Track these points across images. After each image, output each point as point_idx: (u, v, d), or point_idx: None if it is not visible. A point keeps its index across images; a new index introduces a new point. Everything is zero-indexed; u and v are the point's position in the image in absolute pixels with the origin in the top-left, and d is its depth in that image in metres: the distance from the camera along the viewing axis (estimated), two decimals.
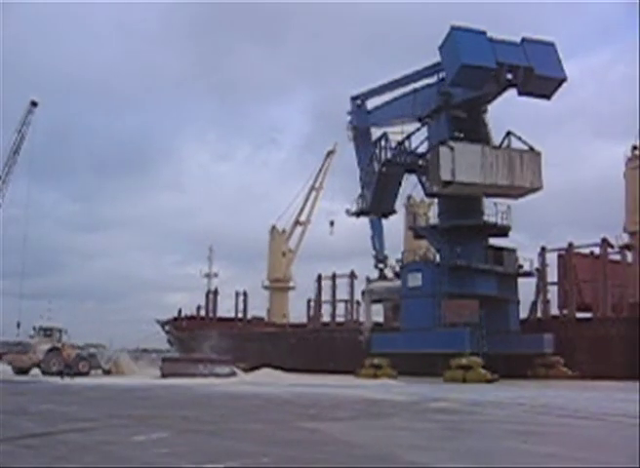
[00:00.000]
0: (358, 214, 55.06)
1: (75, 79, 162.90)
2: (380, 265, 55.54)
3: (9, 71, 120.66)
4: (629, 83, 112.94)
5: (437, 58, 46.29)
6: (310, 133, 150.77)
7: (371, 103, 56.26)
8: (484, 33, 42.48)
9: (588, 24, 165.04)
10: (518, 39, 43.91)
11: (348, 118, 57.79)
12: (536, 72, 42.90)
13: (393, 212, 55.17)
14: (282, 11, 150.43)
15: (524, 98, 46.22)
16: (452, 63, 42.53)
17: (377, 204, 53.09)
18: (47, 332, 45.44)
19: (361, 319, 61.68)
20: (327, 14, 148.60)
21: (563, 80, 44.48)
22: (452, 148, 43.86)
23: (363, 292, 57.75)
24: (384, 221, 55.76)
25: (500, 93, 45.21)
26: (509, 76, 43.23)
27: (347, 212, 56.30)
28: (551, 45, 44.37)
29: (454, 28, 42.16)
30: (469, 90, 44.85)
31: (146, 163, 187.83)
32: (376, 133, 56.11)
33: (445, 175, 43.44)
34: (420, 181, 49.63)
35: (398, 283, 56.91)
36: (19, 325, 58.98)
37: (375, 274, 55.87)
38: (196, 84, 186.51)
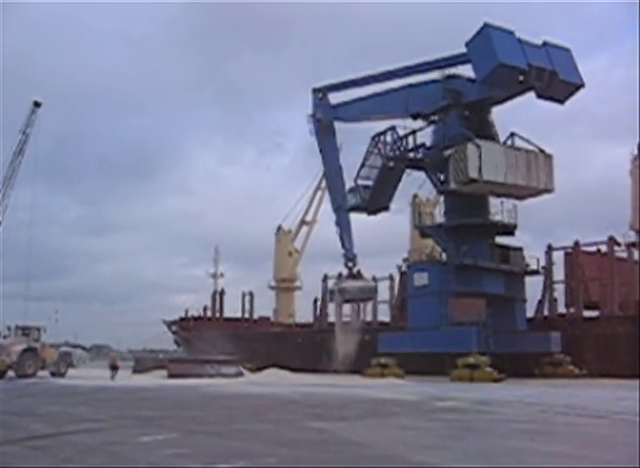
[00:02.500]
0: (350, 209, 54.16)
1: (83, 86, 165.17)
2: (350, 264, 55.32)
3: (18, 78, 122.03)
4: (628, 86, 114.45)
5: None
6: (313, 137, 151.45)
7: (335, 98, 55.52)
8: (513, 33, 41.99)
9: (587, 29, 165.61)
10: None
11: (309, 111, 56.73)
12: (559, 77, 42.73)
13: (387, 208, 54.22)
14: (283, 18, 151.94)
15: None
16: (485, 61, 41.72)
17: (374, 199, 52.39)
18: (24, 332, 42.50)
19: (331, 319, 61.07)
20: (327, 20, 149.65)
21: (581, 86, 44.54)
22: (478, 146, 43.70)
23: (332, 292, 57.23)
24: (377, 217, 55.18)
25: (518, 94, 44.88)
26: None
27: (339, 207, 55.84)
28: (568, 50, 44.34)
29: (487, 25, 41.35)
30: (485, 89, 44.33)
31: (154, 167, 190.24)
32: (342, 127, 55.67)
33: (472, 173, 43.25)
34: (431, 178, 49.16)
35: (369, 283, 57.09)
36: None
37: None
38: (201, 91, 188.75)
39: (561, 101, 45.48)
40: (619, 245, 51.77)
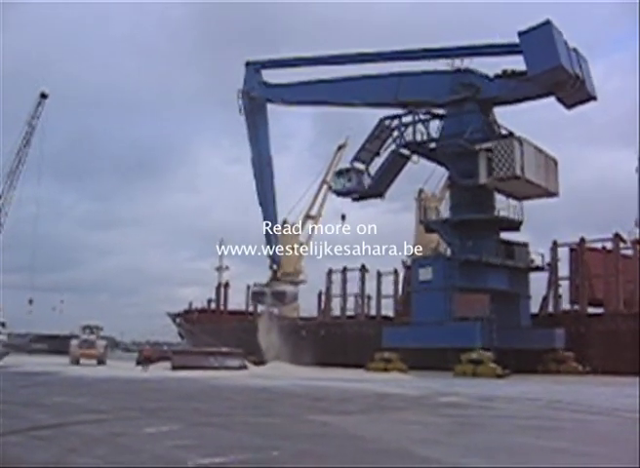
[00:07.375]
0: (341, 192, 53.27)
1: (95, 89, 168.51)
2: (274, 266, 55.25)
3: (32, 80, 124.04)
4: (624, 94, 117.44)
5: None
6: (315, 137, 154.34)
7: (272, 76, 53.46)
8: (562, 34, 40.95)
9: (581, 37, 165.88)
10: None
11: (240, 86, 53.02)
12: (585, 87, 42.28)
13: (381, 195, 53.39)
14: (284, 25, 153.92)
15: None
16: (543, 58, 40.08)
17: (376, 184, 51.81)
18: (91, 330, 51.83)
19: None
20: (327, 26, 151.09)
21: (593, 98, 44.22)
22: (521, 144, 43.32)
23: (259, 293, 56.80)
24: (360, 204, 54.74)
25: (541, 96, 44.37)
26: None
27: (330, 189, 55.24)
28: (587, 62, 43.81)
29: (550, 23, 39.73)
30: (511, 86, 43.95)
31: (161, 166, 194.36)
32: (282, 109, 55.05)
33: (518, 170, 42.69)
34: (450, 171, 48.69)
35: (295, 288, 59.51)
36: (31, 301, 68.44)
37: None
38: (209, 95, 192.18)
39: (569, 107, 45.08)
40: (624, 242, 51.68)
